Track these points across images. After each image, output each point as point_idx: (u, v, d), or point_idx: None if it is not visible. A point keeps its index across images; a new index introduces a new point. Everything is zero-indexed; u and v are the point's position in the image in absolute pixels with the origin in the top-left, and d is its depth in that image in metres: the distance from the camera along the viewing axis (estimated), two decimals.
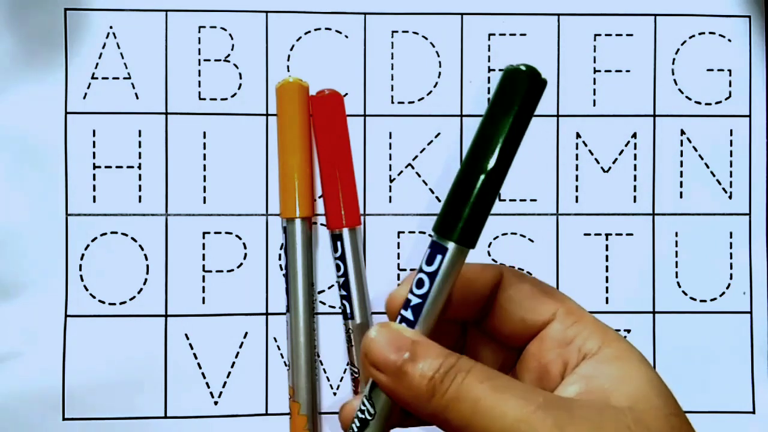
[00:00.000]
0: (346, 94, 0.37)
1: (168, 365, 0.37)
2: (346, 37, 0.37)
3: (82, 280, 0.37)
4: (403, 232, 0.37)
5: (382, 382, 0.22)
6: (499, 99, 0.21)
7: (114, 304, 0.37)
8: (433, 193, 0.37)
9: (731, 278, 0.38)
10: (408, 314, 0.23)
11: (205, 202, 0.37)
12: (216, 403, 0.37)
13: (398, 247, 0.37)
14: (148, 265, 0.37)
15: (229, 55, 0.37)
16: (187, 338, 0.37)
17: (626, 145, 0.38)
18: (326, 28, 0.37)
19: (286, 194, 0.36)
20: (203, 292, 0.37)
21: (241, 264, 0.37)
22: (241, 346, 0.37)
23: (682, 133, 0.38)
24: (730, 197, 0.38)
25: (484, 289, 0.25)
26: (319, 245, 0.37)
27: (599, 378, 0.22)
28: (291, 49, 0.37)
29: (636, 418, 0.21)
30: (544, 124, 0.38)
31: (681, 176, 0.38)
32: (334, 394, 0.37)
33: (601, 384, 0.22)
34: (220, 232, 0.37)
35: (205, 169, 0.37)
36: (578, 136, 0.38)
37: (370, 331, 0.23)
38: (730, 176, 0.38)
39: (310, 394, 0.36)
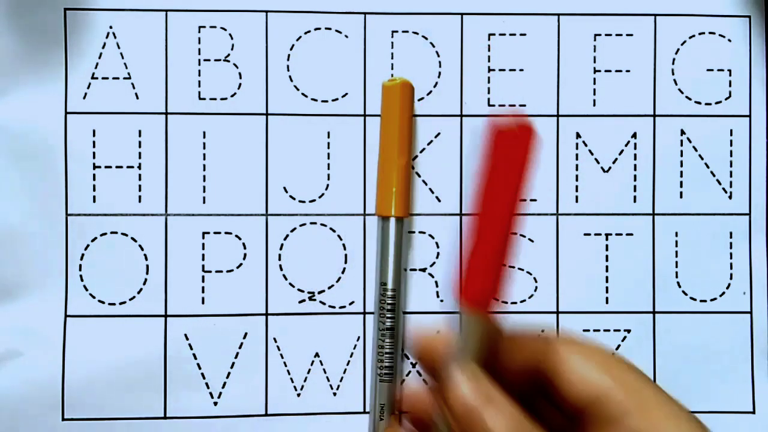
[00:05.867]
0: (346, 93, 0.37)
1: (168, 365, 0.37)
2: (346, 37, 0.37)
3: (82, 280, 0.37)
4: None
5: (450, 424, 0.23)
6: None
7: (114, 304, 0.37)
8: (433, 193, 0.37)
9: (731, 278, 0.38)
10: None
11: (204, 202, 0.37)
12: (216, 403, 0.37)
13: None
14: (147, 265, 0.37)
15: (229, 55, 0.37)
16: (187, 338, 0.37)
17: (626, 145, 0.38)
18: (326, 28, 0.37)
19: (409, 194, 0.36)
20: (203, 292, 0.37)
21: (241, 264, 0.37)
22: (240, 347, 0.37)
23: (682, 133, 0.38)
24: (730, 197, 0.38)
25: (529, 362, 0.24)
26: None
27: None
28: (291, 49, 0.37)
29: None
30: (544, 123, 0.38)
31: (681, 176, 0.38)
32: (334, 394, 0.37)
33: None
34: (219, 232, 0.37)
35: (205, 169, 0.37)
36: (578, 136, 0.38)
37: (456, 372, 0.23)
38: (730, 176, 0.38)
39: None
